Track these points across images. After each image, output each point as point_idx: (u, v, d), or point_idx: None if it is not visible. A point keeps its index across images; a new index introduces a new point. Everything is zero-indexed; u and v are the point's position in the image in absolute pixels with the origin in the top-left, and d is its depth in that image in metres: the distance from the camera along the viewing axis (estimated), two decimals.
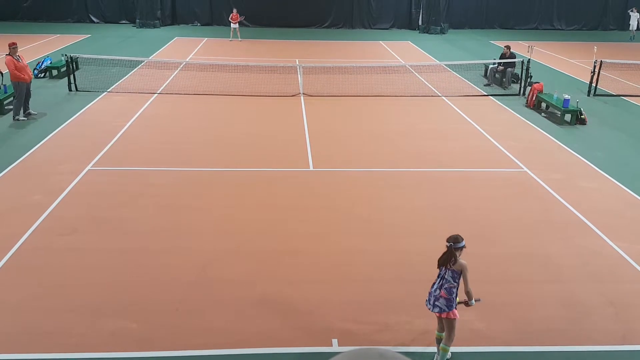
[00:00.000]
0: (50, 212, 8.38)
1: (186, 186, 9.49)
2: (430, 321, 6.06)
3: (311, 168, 10.44)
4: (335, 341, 5.78)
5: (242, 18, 26.37)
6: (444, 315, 5.35)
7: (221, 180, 9.79)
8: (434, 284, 5.44)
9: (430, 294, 5.44)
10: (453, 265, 5.26)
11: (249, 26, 30.27)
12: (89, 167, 10.12)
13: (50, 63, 17.60)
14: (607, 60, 17.30)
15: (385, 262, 7.29)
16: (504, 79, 17.25)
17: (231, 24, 26.06)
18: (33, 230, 7.83)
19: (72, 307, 6.22)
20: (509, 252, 7.61)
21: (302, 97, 15.48)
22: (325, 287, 6.73)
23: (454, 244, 5.29)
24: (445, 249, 5.32)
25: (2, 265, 6.99)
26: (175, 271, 6.96)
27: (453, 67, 19.83)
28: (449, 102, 15.35)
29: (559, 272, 7.15)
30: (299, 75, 16.74)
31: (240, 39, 26.02)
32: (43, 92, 15.35)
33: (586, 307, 6.44)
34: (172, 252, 7.41)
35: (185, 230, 7.99)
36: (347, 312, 6.25)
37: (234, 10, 26.28)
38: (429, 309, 5.42)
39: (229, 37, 26.07)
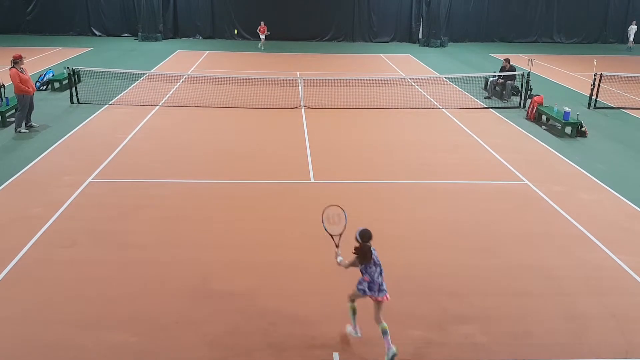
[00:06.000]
0: (50, 225, 8.38)
1: (187, 198, 9.50)
2: (431, 334, 6.04)
3: (312, 180, 10.45)
4: (336, 355, 5.75)
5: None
6: (387, 298, 5.62)
7: (222, 193, 9.79)
8: (373, 274, 5.60)
9: (373, 282, 5.60)
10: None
11: (249, 39, 30.52)
12: (90, 180, 10.14)
13: (53, 76, 17.72)
14: (607, 73, 17.39)
15: (386, 275, 7.22)
16: (504, 92, 17.31)
17: (259, 35, 28.04)
18: (33, 243, 7.83)
19: (71, 319, 6.19)
20: (510, 265, 7.58)
21: (303, 110, 15.54)
22: (326, 299, 6.69)
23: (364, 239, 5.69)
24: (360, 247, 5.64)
25: (3, 278, 6.97)
26: (175, 283, 6.94)
27: (453, 80, 19.92)
28: (450, 115, 15.40)
29: (561, 284, 7.12)
30: (300, 88, 16.82)
31: (262, 50, 27.51)
32: (45, 105, 15.42)
33: (588, 320, 6.40)
34: (172, 264, 7.39)
35: (186, 243, 7.98)
36: None
37: (262, 23, 28.02)
38: (374, 296, 5.58)
39: (258, 45, 27.92)
